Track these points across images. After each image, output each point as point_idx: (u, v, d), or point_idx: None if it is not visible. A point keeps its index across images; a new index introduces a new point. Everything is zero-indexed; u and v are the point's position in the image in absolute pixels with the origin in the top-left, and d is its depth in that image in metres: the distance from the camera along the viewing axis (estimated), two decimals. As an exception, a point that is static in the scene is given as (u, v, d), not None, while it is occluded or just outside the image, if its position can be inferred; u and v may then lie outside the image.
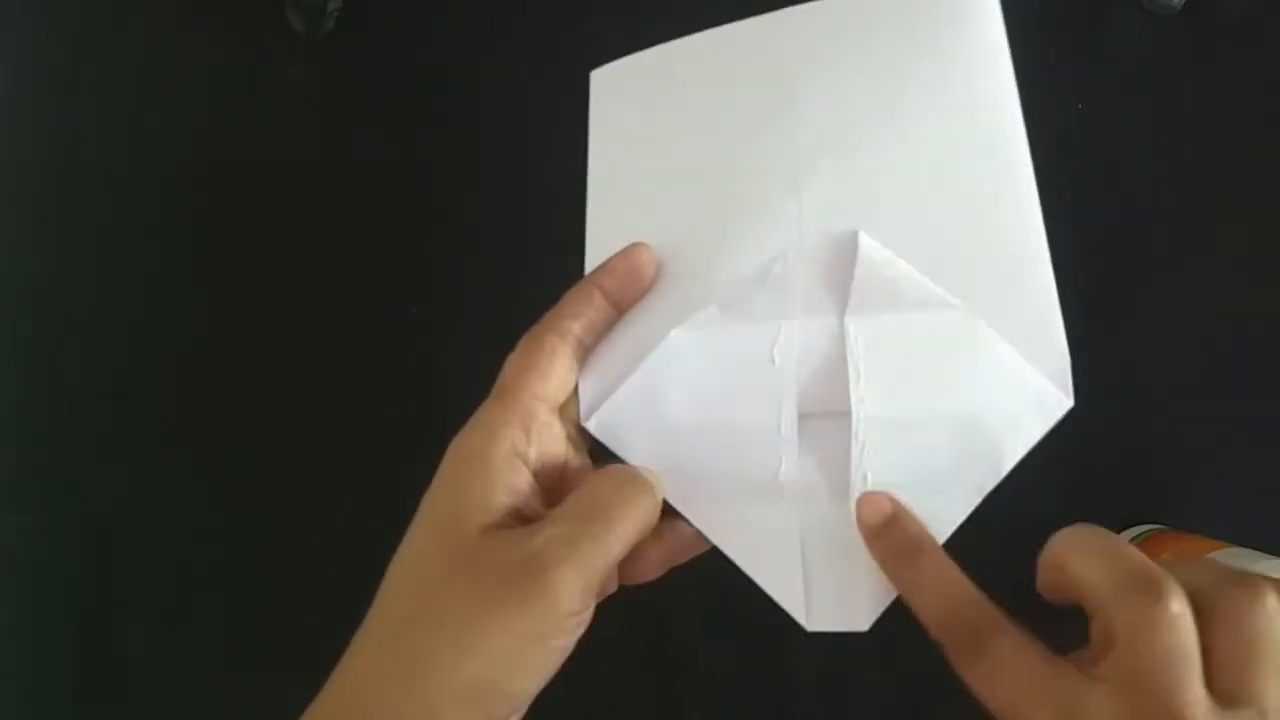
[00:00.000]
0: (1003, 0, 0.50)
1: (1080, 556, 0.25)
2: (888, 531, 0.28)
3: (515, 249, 0.51)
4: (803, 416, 0.30)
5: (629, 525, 0.27)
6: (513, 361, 0.30)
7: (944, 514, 0.28)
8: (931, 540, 0.27)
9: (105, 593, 0.52)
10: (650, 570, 0.31)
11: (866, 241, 0.30)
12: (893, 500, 0.28)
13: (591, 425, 0.32)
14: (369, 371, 0.51)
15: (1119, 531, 0.47)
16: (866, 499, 0.28)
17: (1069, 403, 0.29)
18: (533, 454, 0.29)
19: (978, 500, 0.29)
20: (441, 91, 0.52)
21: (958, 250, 0.31)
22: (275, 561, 0.51)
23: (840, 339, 0.30)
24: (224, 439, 0.52)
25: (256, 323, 0.52)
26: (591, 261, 0.34)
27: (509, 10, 0.52)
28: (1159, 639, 0.23)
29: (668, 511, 0.30)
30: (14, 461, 0.53)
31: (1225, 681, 0.23)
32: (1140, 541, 0.44)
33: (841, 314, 0.30)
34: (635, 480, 0.28)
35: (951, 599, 0.26)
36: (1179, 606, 0.23)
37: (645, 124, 0.36)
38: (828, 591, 0.29)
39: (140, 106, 0.54)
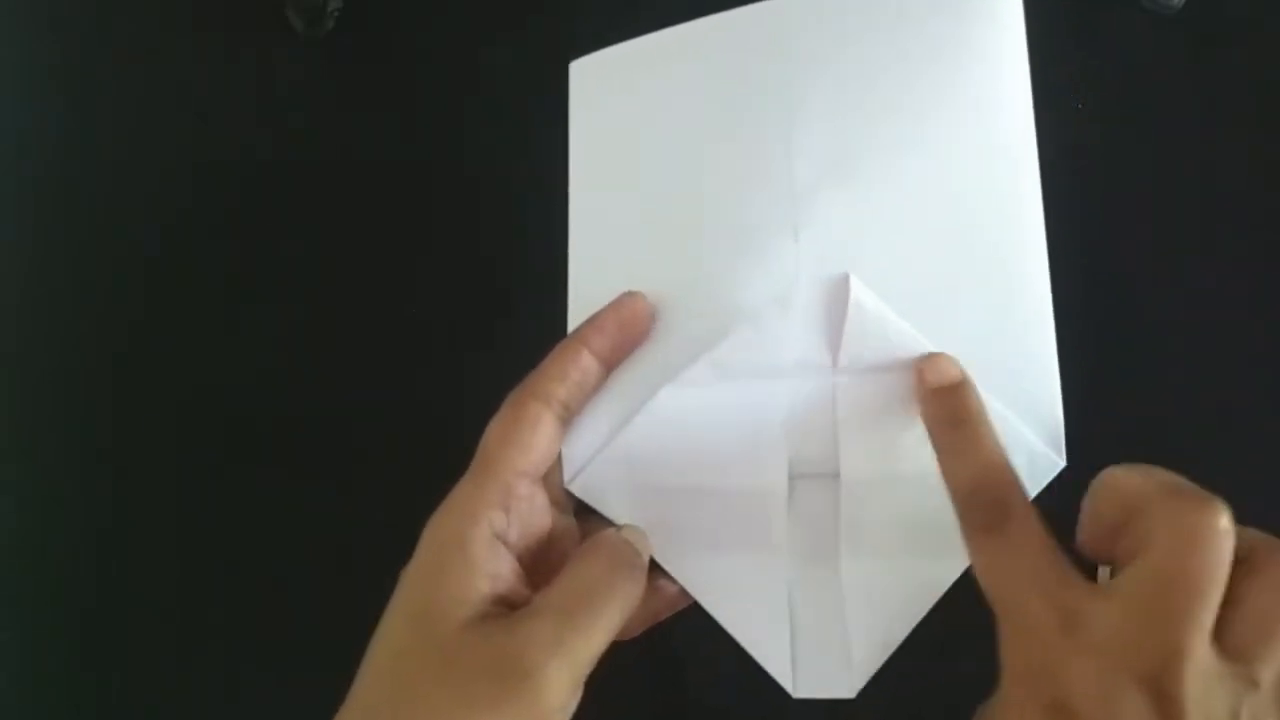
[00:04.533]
0: None
1: (1132, 473, 0.23)
2: (948, 395, 0.27)
3: (517, 248, 0.51)
4: (793, 477, 0.29)
5: (617, 611, 0.26)
6: (493, 432, 0.29)
7: (935, 576, 0.27)
8: (984, 413, 0.26)
9: (105, 593, 0.52)
10: (631, 631, 0.29)
11: (858, 289, 0.28)
12: (962, 369, 0.27)
13: (575, 488, 0.30)
14: (367, 370, 0.51)
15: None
16: (934, 360, 0.27)
17: (1061, 463, 0.29)
18: (514, 534, 0.27)
19: (963, 564, 0.27)
20: (442, 91, 0.52)
21: (957, 303, 0.29)
22: (274, 561, 0.51)
23: (831, 400, 0.28)
24: (223, 437, 0.52)
25: (255, 321, 0.52)
26: (575, 296, 0.32)
27: (511, 9, 0.52)
28: (1195, 550, 0.21)
29: (652, 568, 0.29)
30: (14, 461, 0.53)
31: (1237, 636, 0.21)
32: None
33: (833, 371, 0.28)
34: (623, 560, 0.27)
35: (987, 470, 0.25)
36: (1227, 526, 0.21)
37: (630, 133, 0.33)
38: (815, 657, 0.28)
39: (139, 106, 0.54)
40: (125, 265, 0.53)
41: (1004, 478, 0.25)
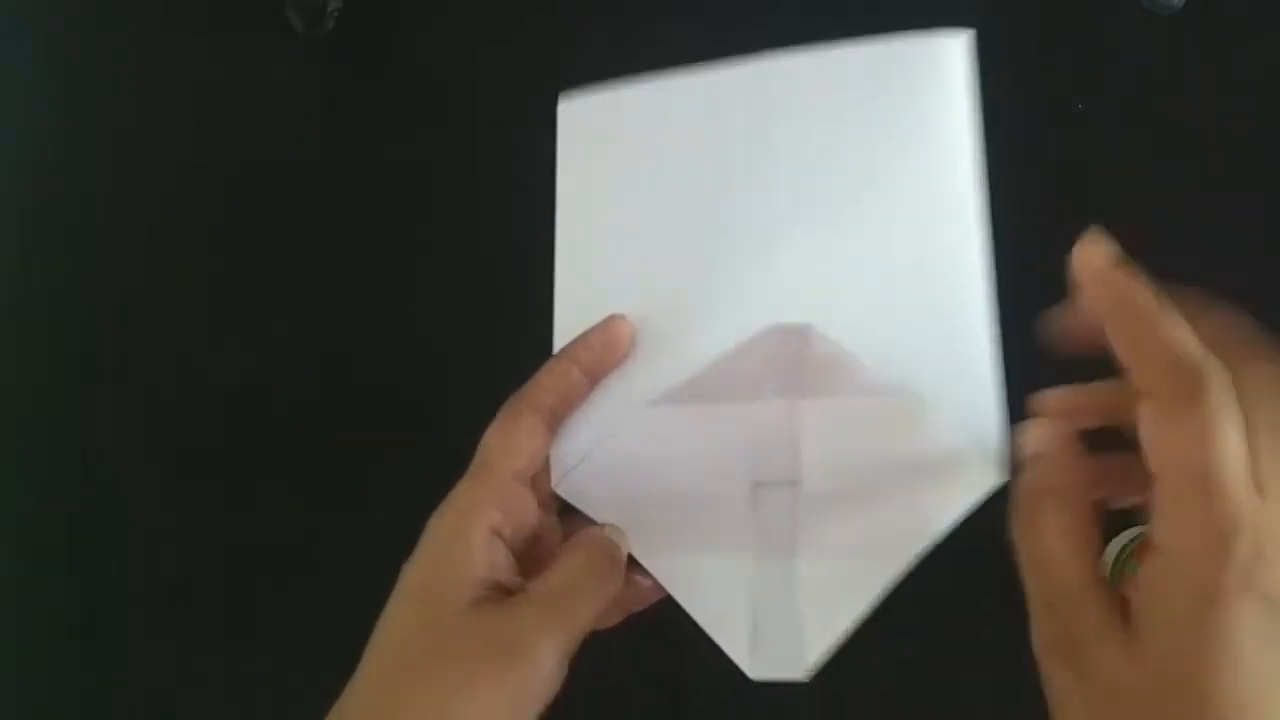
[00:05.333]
0: (1004, 3, 0.50)
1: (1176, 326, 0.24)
2: (1116, 274, 0.28)
3: (517, 248, 0.51)
4: (757, 484, 0.32)
5: (599, 600, 0.30)
6: (493, 438, 0.31)
7: (873, 576, 0.30)
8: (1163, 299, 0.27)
9: (105, 593, 0.52)
10: (609, 620, 0.32)
11: (816, 335, 0.32)
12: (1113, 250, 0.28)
13: (562, 489, 0.33)
14: (367, 370, 0.51)
15: (1118, 533, 0.47)
16: (1092, 242, 0.29)
17: (999, 480, 0.31)
18: (507, 530, 0.30)
19: (905, 565, 0.30)
20: (442, 92, 0.52)
21: (908, 335, 0.32)
22: (274, 561, 0.51)
23: (792, 418, 0.32)
24: (224, 437, 0.52)
25: (256, 321, 0.52)
26: (560, 321, 0.36)
27: (510, 10, 0.52)
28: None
29: (630, 564, 0.32)
30: (14, 461, 0.53)
31: (1261, 472, 0.22)
32: (1141, 542, 0.44)
33: (795, 396, 0.32)
34: (606, 555, 0.31)
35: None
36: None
37: (615, 171, 0.36)
38: (771, 643, 0.31)
39: (139, 106, 0.54)
40: (125, 265, 0.53)
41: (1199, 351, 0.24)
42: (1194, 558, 0.23)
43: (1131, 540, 0.45)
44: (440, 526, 0.30)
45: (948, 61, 0.34)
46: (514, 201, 0.51)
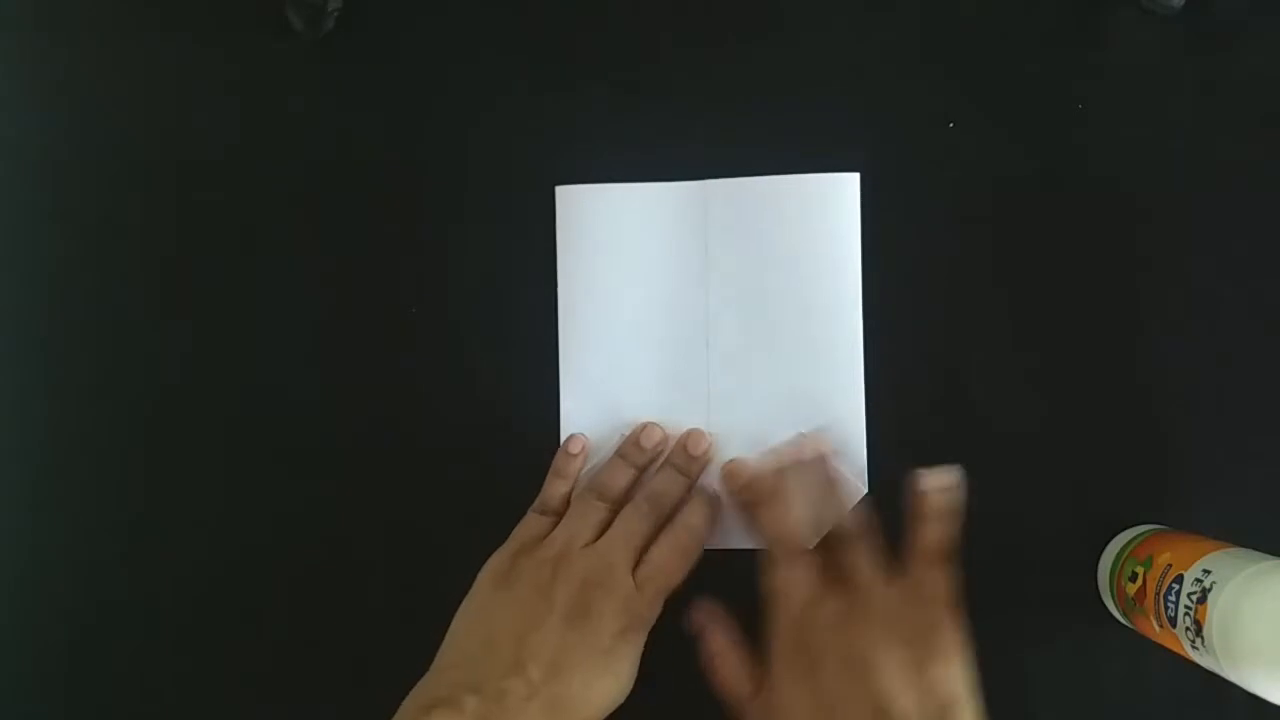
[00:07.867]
0: (1004, 2, 0.50)
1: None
2: (754, 481, 0.47)
3: (517, 248, 0.51)
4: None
5: (688, 569, 0.47)
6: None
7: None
8: (781, 490, 0.46)
9: (105, 595, 0.52)
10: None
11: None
12: (752, 469, 0.47)
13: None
14: (368, 370, 0.51)
15: (1118, 533, 0.47)
16: (737, 463, 0.48)
17: (864, 490, 0.47)
18: None
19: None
20: (441, 92, 0.52)
21: (800, 378, 0.48)
22: (274, 560, 0.51)
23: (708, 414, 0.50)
24: (223, 437, 0.52)
25: (256, 321, 0.52)
26: (564, 362, 0.50)
27: (510, 11, 0.52)
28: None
29: None
30: (15, 461, 0.53)
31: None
32: (1140, 541, 0.44)
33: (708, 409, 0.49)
34: (691, 538, 0.47)
35: (790, 525, 0.45)
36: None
37: (600, 250, 0.50)
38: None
39: (139, 106, 0.54)
40: (124, 265, 0.53)
41: (798, 530, 0.45)
42: (778, 630, 0.43)
43: (1130, 540, 0.45)
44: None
45: (844, 192, 0.48)
46: (515, 200, 0.51)
